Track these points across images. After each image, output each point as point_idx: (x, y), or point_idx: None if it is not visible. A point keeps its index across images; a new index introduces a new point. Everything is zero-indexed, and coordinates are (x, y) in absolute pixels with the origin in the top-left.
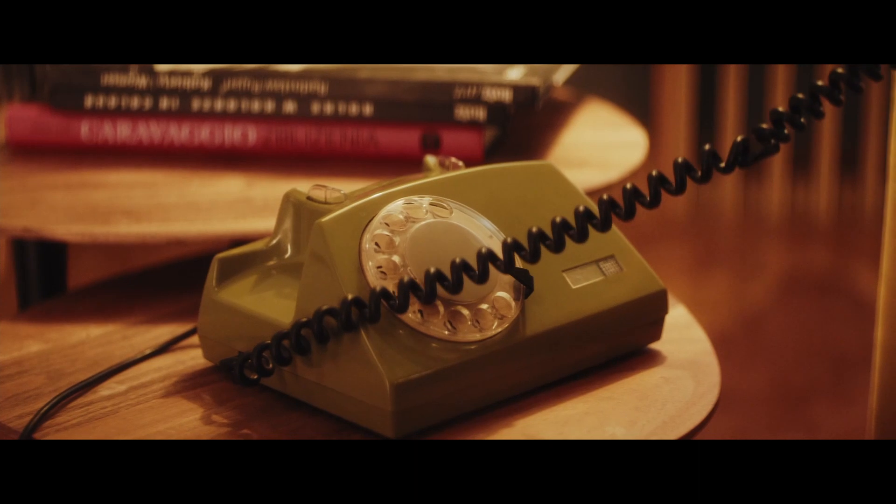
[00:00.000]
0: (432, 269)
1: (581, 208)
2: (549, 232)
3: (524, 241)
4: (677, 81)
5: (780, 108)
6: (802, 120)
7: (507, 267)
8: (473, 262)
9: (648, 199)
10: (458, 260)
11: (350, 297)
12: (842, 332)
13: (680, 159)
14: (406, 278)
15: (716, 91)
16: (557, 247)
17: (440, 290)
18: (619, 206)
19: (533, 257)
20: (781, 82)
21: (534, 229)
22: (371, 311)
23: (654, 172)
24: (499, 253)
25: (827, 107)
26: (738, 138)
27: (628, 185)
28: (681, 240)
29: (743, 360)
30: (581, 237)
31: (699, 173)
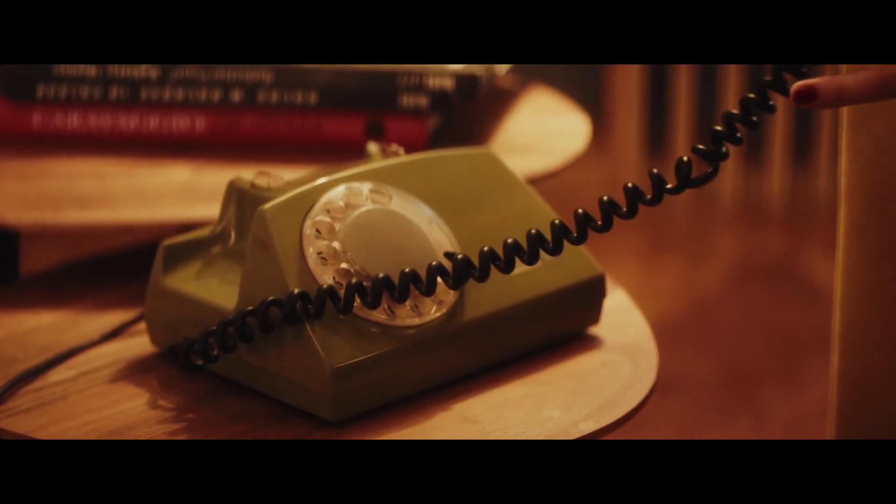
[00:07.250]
0: (381, 275)
1: (557, 221)
2: (523, 244)
3: (469, 250)
4: (629, 68)
5: (734, 111)
6: (755, 118)
7: (455, 284)
8: (422, 273)
9: (600, 223)
10: (407, 270)
11: (297, 291)
12: (793, 318)
13: (630, 184)
14: (353, 280)
15: (667, 78)
16: (531, 259)
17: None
18: (594, 219)
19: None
20: (734, 69)
21: (509, 240)
22: (316, 308)
23: (605, 198)
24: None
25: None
26: (685, 158)
27: (580, 210)
28: (633, 226)
29: (695, 345)
30: (556, 250)
31: (648, 196)
